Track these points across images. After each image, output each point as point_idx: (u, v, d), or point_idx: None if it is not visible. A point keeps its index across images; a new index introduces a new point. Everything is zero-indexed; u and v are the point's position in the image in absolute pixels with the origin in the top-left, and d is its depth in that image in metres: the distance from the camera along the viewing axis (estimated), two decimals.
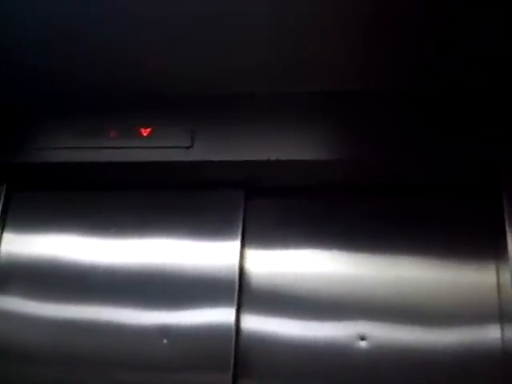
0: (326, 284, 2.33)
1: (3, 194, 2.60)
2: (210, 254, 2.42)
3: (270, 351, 2.27)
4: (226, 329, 2.29)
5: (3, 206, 2.58)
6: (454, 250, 2.30)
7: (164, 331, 2.33)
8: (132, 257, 2.48)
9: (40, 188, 2.64)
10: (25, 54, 2.29)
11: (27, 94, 2.53)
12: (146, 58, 2.24)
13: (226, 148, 2.34)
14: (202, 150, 2.35)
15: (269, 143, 2.31)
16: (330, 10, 1.95)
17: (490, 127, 2.22)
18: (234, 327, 2.28)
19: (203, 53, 2.20)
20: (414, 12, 1.92)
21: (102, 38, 2.17)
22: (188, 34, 2.11)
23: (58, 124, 2.50)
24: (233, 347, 2.25)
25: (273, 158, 2.29)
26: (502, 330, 2.16)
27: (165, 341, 2.31)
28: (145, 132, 2.41)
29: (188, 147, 2.36)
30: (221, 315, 2.31)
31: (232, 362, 2.23)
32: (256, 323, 2.33)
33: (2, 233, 2.58)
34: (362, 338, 2.23)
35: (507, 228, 2.12)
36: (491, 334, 2.17)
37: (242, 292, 2.36)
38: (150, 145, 2.39)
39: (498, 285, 2.23)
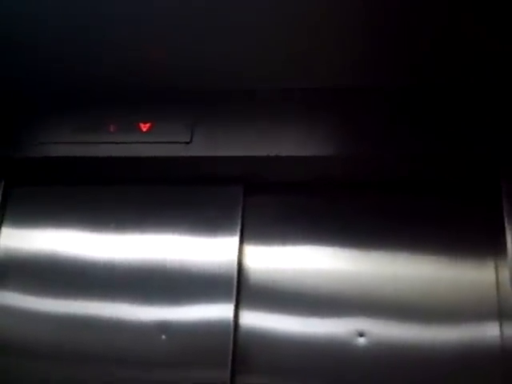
0: (325, 280, 2.33)
1: (2, 189, 2.60)
2: (209, 249, 2.42)
3: (268, 347, 2.27)
4: (224, 325, 2.29)
5: (1, 200, 2.59)
6: (454, 247, 2.30)
7: (163, 327, 2.33)
8: (131, 252, 2.48)
9: (39, 183, 2.64)
10: (24, 51, 2.29)
11: (26, 89, 2.53)
12: (147, 51, 2.23)
13: (225, 144, 2.34)
14: (201, 145, 2.35)
15: (268, 139, 2.31)
16: (329, 5, 1.94)
17: (489, 125, 2.21)
18: (232, 323, 2.28)
19: (203, 48, 2.20)
20: (414, 6, 1.92)
21: (101, 34, 2.16)
22: (188, 30, 2.10)
23: (58, 119, 2.50)
24: (231, 343, 2.25)
25: (272, 153, 2.29)
26: (501, 327, 2.16)
27: (163, 336, 2.31)
28: (144, 127, 2.40)
29: (187, 142, 2.36)
30: (219, 311, 2.31)
31: (230, 358, 2.24)
32: (254, 319, 2.33)
33: (0, 228, 2.58)
34: (361, 335, 2.23)
35: (506, 226, 2.12)
36: (490, 331, 2.17)
37: (240, 288, 2.36)
38: (149, 140, 2.38)
39: (497, 282, 2.23)
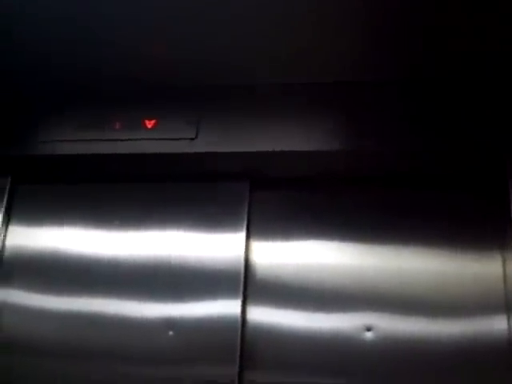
0: (332, 275, 2.33)
1: (8, 186, 2.60)
2: (216, 246, 2.42)
3: (275, 343, 2.28)
4: (231, 321, 2.29)
5: (8, 199, 2.59)
6: (460, 240, 2.30)
7: (169, 323, 2.33)
8: (137, 249, 2.48)
9: (45, 181, 2.64)
10: (28, 48, 2.29)
11: (31, 87, 2.53)
12: (150, 47, 2.22)
13: (230, 139, 2.33)
14: (206, 141, 2.35)
15: (273, 134, 2.31)
16: (330, 1, 1.94)
17: (494, 118, 2.21)
18: (239, 319, 2.28)
19: (206, 45, 2.20)
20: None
21: (105, 32, 2.16)
22: (190, 26, 2.10)
23: (62, 117, 2.50)
24: (239, 339, 2.25)
25: (277, 149, 2.29)
26: (508, 320, 2.16)
27: (170, 333, 2.32)
28: (149, 124, 2.40)
29: (192, 139, 2.35)
30: (226, 307, 2.32)
31: (238, 353, 2.24)
32: (261, 315, 2.33)
33: (7, 226, 2.58)
34: (368, 329, 2.23)
35: None
36: (497, 324, 2.17)
37: (247, 284, 2.36)
38: (154, 137, 2.38)
39: (504, 275, 2.23)
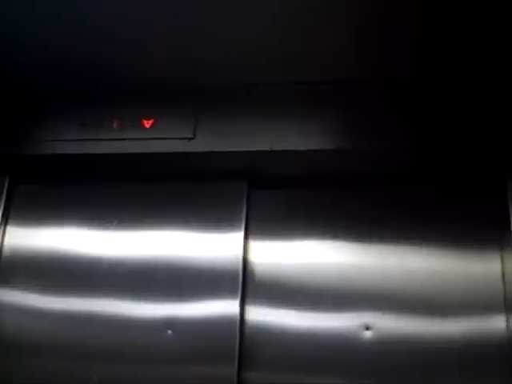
0: (331, 274, 2.33)
1: (6, 186, 2.60)
2: (214, 245, 2.42)
3: (274, 342, 2.27)
4: (230, 320, 2.29)
5: (6, 198, 2.58)
6: (459, 239, 2.30)
7: (168, 323, 2.33)
8: (135, 249, 2.48)
9: (43, 180, 2.64)
10: (26, 47, 2.28)
11: (29, 87, 2.52)
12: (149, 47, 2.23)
13: (228, 139, 2.33)
14: (204, 140, 2.35)
15: (271, 133, 2.31)
16: None
17: (494, 115, 2.21)
18: (238, 319, 2.28)
19: (205, 43, 2.19)
20: None
21: (104, 31, 2.16)
22: (189, 26, 2.10)
23: (60, 116, 2.49)
24: (237, 339, 2.25)
25: (276, 148, 2.29)
26: (507, 319, 2.16)
27: (169, 332, 2.31)
28: (147, 123, 2.40)
29: (190, 138, 2.35)
30: (225, 307, 2.31)
31: (236, 353, 2.23)
32: (260, 314, 2.33)
33: (5, 225, 2.58)
34: (367, 328, 2.23)
35: None
36: (496, 323, 2.18)
37: (245, 283, 2.36)
38: (152, 136, 2.38)
39: (503, 274, 2.23)
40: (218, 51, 2.23)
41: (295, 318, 2.29)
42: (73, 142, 2.43)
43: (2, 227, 2.56)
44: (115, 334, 2.35)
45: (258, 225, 2.45)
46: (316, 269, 2.34)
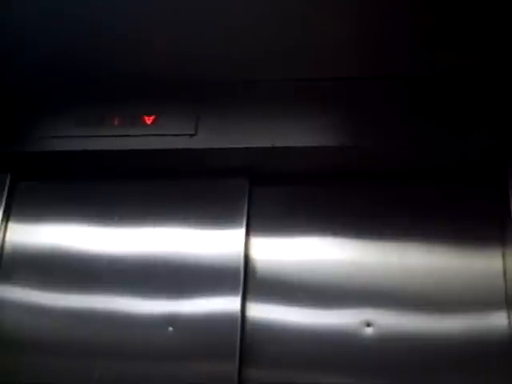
0: (332, 271, 2.33)
1: (8, 183, 2.60)
2: (215, 242, 2.42)
3: (275, 339, 2.28)
4: (231, 317, 2.29)
5: (8, 195, 2.59)
6: (460, 236, 2.30)
7: (169, 320, 2.33)
8: (136, 246, 2.48)
9: (44, 177, 2.64)
10: (27, 44, 2.28)
11: (30, 83, 2.52)
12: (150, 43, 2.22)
13: (230, 135, 2.33)
14: (206, 137, 2.35)
15: (273, 130, 2.30)
16: None
17: (496, 113, 2.20)
18: (239, 315, 2.28)
19: (206, 40, 2.19)
20: None
21: (105, 28, 2.16)
22: (190, 21, 2.10)
23: (62, 113, 2.49)
24: (238, 335, 2.25)
25: (277, 144, 2.29)
26: (509, 316, 2.16)
27: (170, 329, 2.31)
28: (148, 120, 2.40)
29: (192, 135, 2.35)
30: (226, 303, 2.31)
31: (237, 350, 2.23)
32: (261, 311, 2.33)
33: (7, 222, 2.58)
34: (368, 325, 2.22)
35: None
36: (497, 320, 2.17)
37: (247, 280, 2.36)
38: (153, 132, 2.38)
39: (505, 271, 2.23)
40: (220, 48, 2.23)
41: (296, 315, 2.29)
42: (74, 138, 2.43)
43: (4, 224, 2.57)
44: (116, 331, 2.35)
45: (260, 221, 2.44)
46: (317, 265, 2.34)
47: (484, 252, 2.28)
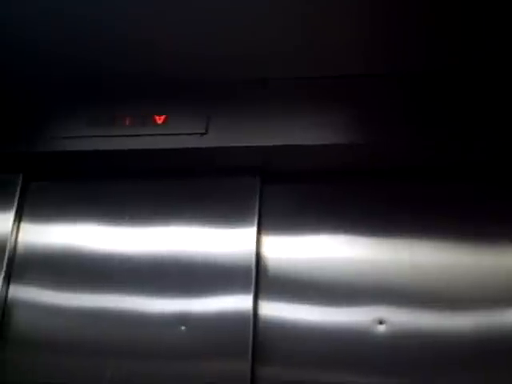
0: (343, 269, 2.33)
1: (20, 184, 2.62)
2: (227, 241, 2.42)
3: (287, 337, 2.27)
4: (243, 315, 2.29)
5: (20, 195, 2.60)
6: (472, 233, 2.29)
7: (182, 318, 2.33)
8: (148, 245, 2.48)
9: (56, 177, 2.65)
10: (38, 45, 2.30)
11: (42, 84, 2.54)
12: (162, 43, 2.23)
13: (240, 134, 2.33)
14: (216, 136, 2.35)
15: (284, 128, 2.31)
16: None
17: (506, 109, 2.20)
18: (251, 314, 2.28)
19: (216, 39, 2.20)
20: None
21: (116, 28, 2.17)
22: (202, 22, 2.11)
23: (73, 113, 2.51)
24: (251, 334, 2.25)
25: (288, 143, 2.29)
26: None
27: (183, 328, 2.32)
28: (159, 119, 2.41)
29: (203, 134, 2.36)
30: (238, 302, 2.32)
31: (250, 348, 2.24)
32: (273, 309, 2.32)
33: (19, 223, 2.60)
34: (381, 322, 2.22)
35: None
36: (509, 317, 2.16)
37: (259, 278, 2.36)
38: (164, 132, 2.39)
39: None
40: (230, 47, 2.24)
41: (308, 313, 2.29)
42: (85, 138, 2.44)
43: (17, 224, 2.58)
44: (128, 330, 2.36)
45: (271, 220, 2.45)
46: (329, 263, 2.34)
47: (495, 249, 2.27)
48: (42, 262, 2.53)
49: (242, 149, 2.34)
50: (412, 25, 2.06)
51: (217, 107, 2.39)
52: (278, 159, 2.41)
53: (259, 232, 2.42)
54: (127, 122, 2.43)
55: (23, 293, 2.49)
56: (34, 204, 2.63)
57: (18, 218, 2.59)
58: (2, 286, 2.47)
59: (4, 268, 2.50)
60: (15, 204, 2.58)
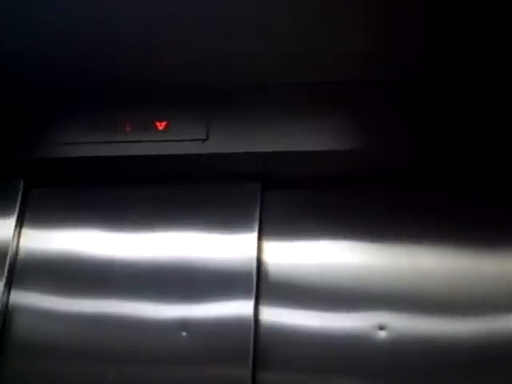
0: (344, 275, 2.33)
1: (21, 189, 2.62)
2: (228, 246, 2.42)
3: (288, 343, 2.27)
4: (244, 321, 2.29)
5: (21, 201, 2.61)
6: (473, 238, 2.29)
7: (182, 324, 2.33)
8: (149, 251, 2.48)
9: (57, 183, 2.66)
10: (39, 51, 2.30)
11: (43, 89, 2.54)
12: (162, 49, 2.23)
13: (241, 140, 2.34)
14: (217, 142, 2.35)
15: (284, 134, 2.30)
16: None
17: (508, 114, 2.20)
18: (252, 319, 2.28)
19: (217, 45, 2.20)
20: None
21: (117, 34, 2.17)
22: (202, 28, 2.10)
23: (74, 119, 2.50)
24: (251, 339, 2.25)
25: (289, 149, 2.29)
26: None
27: (183, 333, 2.32)
28: (160, 125, 2.41)
29: (204, 140, 2.36)
30: (239, 307, 2.32)
31: (251, 354, 2.24)
32: (274, 315, 2.32)
33: (20, 228, 2.60)
34: (381, 328, 2.22)
35: None
36: (510, 323, 2.15)
37: (259, 284, 2.36)
38: (165, 138, 2.39)
39: None
40: (230, 53, 2.24)
41: (309, 318, 2.28)
42: (86, 144, 2.44)
43: (18, 229, 2.59)
44: (129, 336, 2.36)
45: (272, 226, 2.45)
46: (330, 269, 2.34)
47: (496, 255, 2.26)
48: (44, 268, 2.53)
49: (242, 155, 2.34)
50: (412, 30, 2.06)
51: (217, 113, 2.39)
52: (279, 165, 2.42)
53: (260, 238, 2.42)
54: (128, 128, 2.43)
55: (24, 298, 2.50)
56: (35, 210, 2.63)
57: (20, 224, 2.60)
58: (4, 291, 2.47)
59: (5, 274, 2.49)
60: (17, 210, 2.58)
